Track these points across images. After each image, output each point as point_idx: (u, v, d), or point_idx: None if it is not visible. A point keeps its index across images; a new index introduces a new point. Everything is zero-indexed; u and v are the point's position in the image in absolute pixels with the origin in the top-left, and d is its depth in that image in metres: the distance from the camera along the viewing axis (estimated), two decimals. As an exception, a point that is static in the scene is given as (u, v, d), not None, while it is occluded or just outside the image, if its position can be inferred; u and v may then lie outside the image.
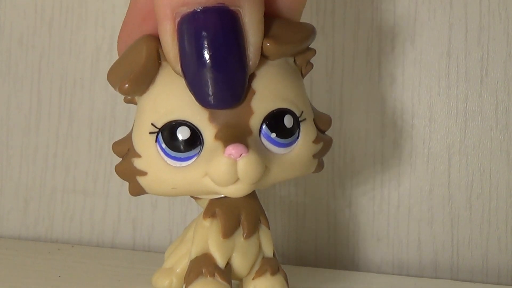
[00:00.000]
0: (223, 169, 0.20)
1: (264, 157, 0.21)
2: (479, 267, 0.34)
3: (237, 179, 0.20)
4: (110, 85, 0.38)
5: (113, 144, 0.23)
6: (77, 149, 0.39)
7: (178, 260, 0.26)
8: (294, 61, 0.23)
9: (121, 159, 0.23)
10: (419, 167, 0.35)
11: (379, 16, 0.35)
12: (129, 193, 0.23)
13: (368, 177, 0.35)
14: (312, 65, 0.24)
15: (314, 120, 0.23)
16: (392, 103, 0.35)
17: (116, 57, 0.38)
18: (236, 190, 0.21)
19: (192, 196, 0.26)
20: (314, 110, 0.23)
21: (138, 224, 0.38)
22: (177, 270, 0.26)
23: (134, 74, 0.21)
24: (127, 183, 0.38)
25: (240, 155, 0.20)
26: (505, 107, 0.34)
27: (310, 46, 0.23)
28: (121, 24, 0.38)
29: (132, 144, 0.22)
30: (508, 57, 0.34)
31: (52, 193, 0.39)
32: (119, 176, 0.23)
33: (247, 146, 0.20)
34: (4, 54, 0.40)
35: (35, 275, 0.30)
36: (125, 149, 0.23)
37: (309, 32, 0.22)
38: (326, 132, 0.24)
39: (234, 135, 0.20)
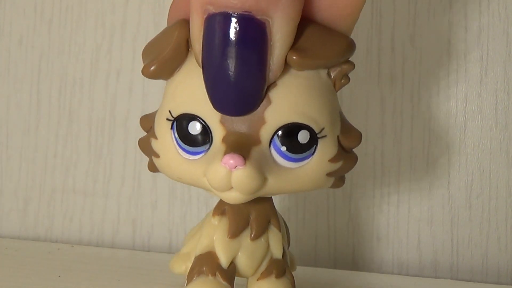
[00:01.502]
0: (217, 176, 0.20)
1: (266, 169, 0.20)
2: (479, 267, 0.34)
3: (232, 188, 0.20)
4: (110, 85, 0.38)
5: (141, 117, 0.23)
6: (77, 149, 0.39)
7: (196, 246, 0.25)
8: (328, 73, 0.21)
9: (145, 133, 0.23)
10: (419, 167, 0.35)
11: (378, 15, 0.35)
12: (147, 168, 0.23)
13: (367, 177, 0.35)
14: (349, 79, 0.22)
15: (338, 137, 0.22)
16: (392, 103, 0.35)
17: (115, 56, 0.38)
18: (231, 198, 0.20)
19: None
20: (344, 124, 0.22)
21: (137, 224, 0.38)
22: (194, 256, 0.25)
23: (161, 58, 0.21)
24: (126, 183, 0.38)
25: (235, 166, 0.19)
26: (504, 107, 0.34)
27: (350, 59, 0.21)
28: (121, 24, 0.38)
29: (153, 123, 0.22)
30: (508, 57, 0.34)
31: (52, 193, 0.39)
32: (140, 149, 0.23)
33: (246, 157, 0.19)
34: (3, 54, 0.40)
35: (35, 275, 0.30)
36: (149, 125, 0.23)
37: (344, 47, 0.21)
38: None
39: (238, 142, 0.20)
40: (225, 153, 0.20)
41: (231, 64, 0.19)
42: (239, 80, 0.19)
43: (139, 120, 0.23)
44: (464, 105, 0.35)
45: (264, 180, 0.20)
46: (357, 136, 0.22)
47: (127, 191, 0.38)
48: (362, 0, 0.20)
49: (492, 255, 0.34)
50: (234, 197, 0.20)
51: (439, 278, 0.34)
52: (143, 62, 0.22)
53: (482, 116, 0.34)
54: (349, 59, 0.21)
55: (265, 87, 0.20)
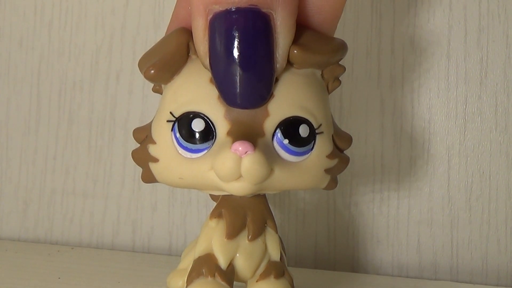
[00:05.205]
0: (227, 163, 0.20)
1: (272, 160, 0.21)
2: (479, 269, 0.34)
3: (240, 176, 0.20)
4: (110, 87, 0.38)
5: (134, 130, 0.24)
6: (77, 151, 0.39)
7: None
8: (322, 75, 0.23)
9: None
10: (419, 168, 0.35)
11: (378, 17, 0.35)
12: (141, 180, 0.24)
13: (367, 178, 0.35)
14: (340, 81, 0.24)
15: (332, 136, 0.23)
16: (392, 104, 0.35)
17: (115, 58, 0.38)
18: (238, 188, 0.21)
19: (211, 196, 0.26)
20: (335, 126, 0.23)
21: (137, 226, 0.38)
22: None
23: (160, 62, 0.22)
24: (126, 185, 0.38)
25: (246, 152, 0.20)
26: (504, 109, 0.34)
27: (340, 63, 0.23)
28: (121, 26, 0.38)
29: (150, 131, 0.23)
30: (507, 59, 0.34)
31: (51, 195, 0.39)
32: (134, 161, 0.24)
33: (255, 145, 0.20)
34: (3, 56, 0.40)
35: (35, 277, 0.30)
36: (143, 135, 0.23)
37: (338, 46, 0.22)
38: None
39: (245, 133, 0.21)
40: (234, 141, 0.20)
41: (242, 57, 0.20)
42: (251, 71, 0.20)
43: (132, 132, 0.24)
44: (464, 107, 0.35)
45: (271, 170, 0.21)
46: (349, 139, 0.24)
47: (127, 193, 0.38)
48: (343, 2, 0.22)
49: (492, 257, 0.34)
50: (240, 187, 0.21)
51: (439, 280, 0.34)
52: (140, 70, 0.22)
53: (482, 118, 0.34)
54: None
55: (274, 78, 0.21)
